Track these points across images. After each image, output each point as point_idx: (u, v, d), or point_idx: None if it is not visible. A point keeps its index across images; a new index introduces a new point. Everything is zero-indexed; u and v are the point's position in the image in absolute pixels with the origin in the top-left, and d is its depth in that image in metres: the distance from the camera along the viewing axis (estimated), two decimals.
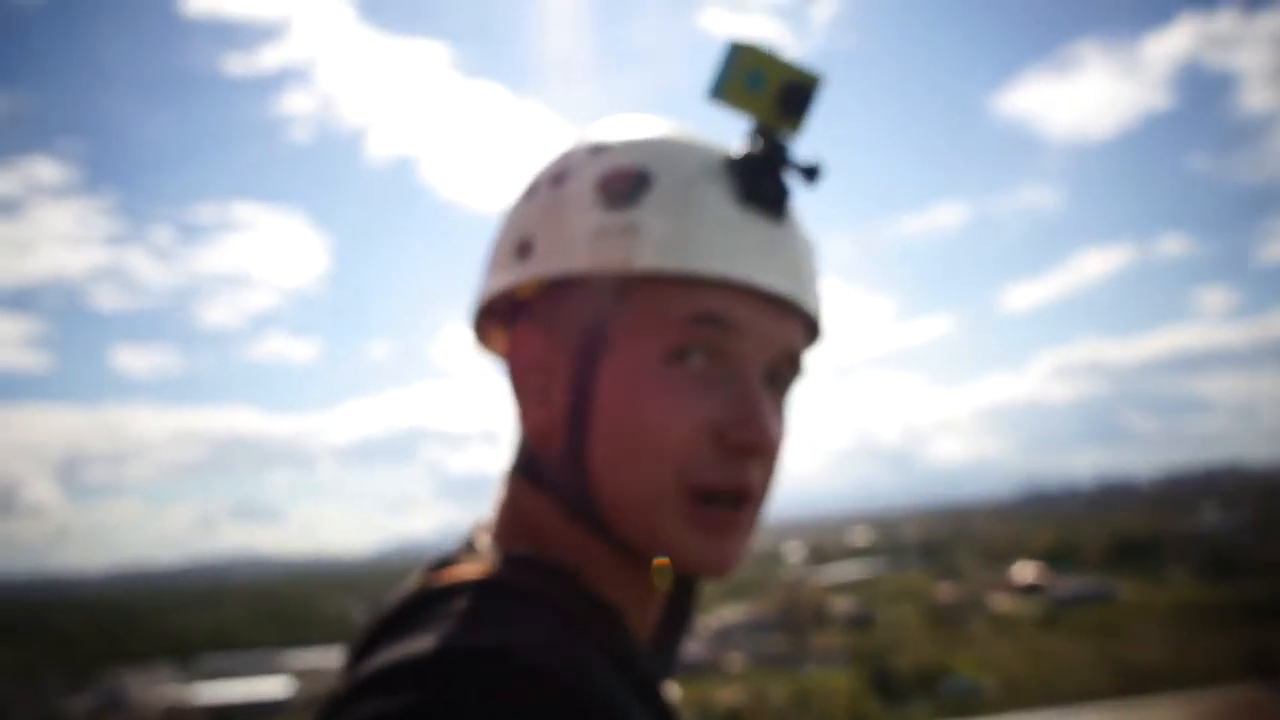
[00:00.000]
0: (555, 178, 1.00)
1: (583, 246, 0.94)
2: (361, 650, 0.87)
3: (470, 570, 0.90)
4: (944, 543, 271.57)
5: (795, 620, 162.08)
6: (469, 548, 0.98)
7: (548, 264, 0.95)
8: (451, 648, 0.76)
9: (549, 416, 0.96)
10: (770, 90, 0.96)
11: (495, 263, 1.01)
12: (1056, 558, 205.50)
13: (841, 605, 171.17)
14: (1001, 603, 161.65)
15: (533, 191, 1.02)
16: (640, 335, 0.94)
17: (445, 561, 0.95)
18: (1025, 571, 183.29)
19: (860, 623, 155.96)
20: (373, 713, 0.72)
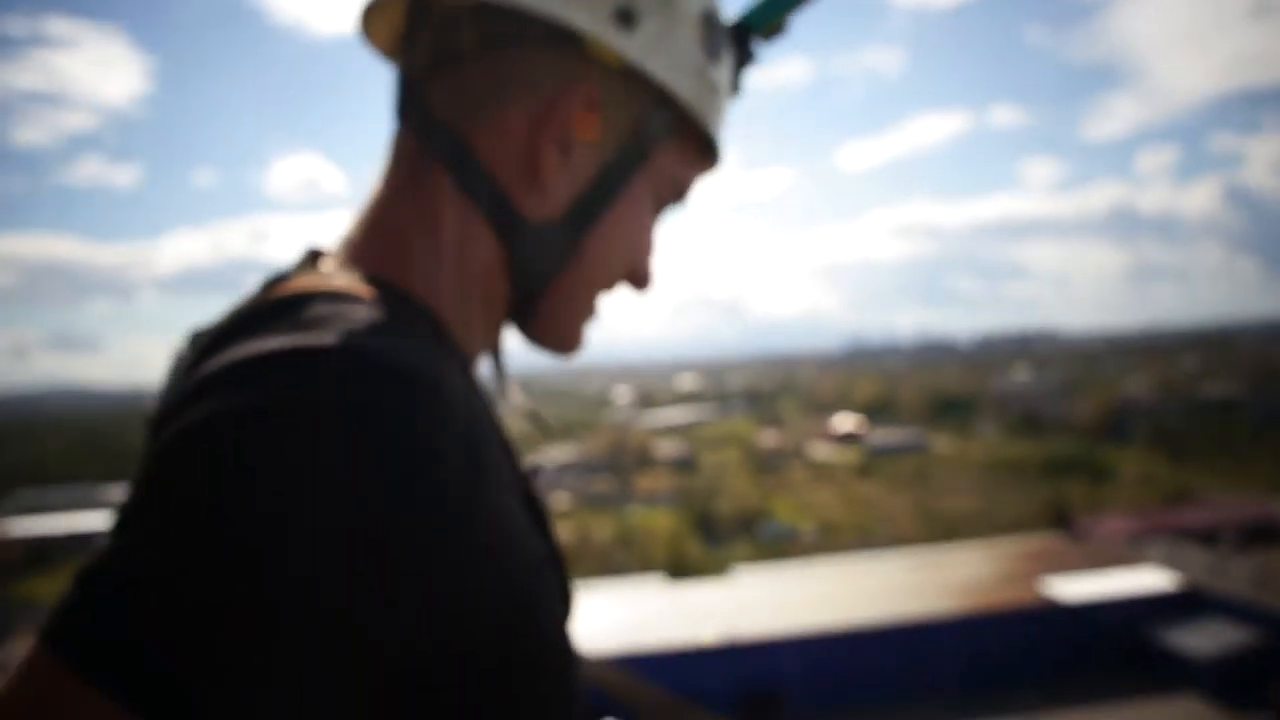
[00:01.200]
0: None
1: (686, 74, 0.96)
2: (201, 356, 0.77)
3: (322, 281, 0.84)
4: (770, 392, 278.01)
5: (621, 462, 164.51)
6: (310, 266, 0.91)
7: (652, 60, 0.93)
8: (299, 345, 0.69)
9: (566, 182, 0.94)
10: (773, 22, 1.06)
11: None
12: (876, 410, 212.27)
13: (667, 449, 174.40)
14: (821, 451, 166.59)
15: None
16: (664, 177, 1.00)
17: (284, 277, 0.89)
18: (845, 422, 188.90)
19: (684, 466, 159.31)
20: (210, 411, 0.65)
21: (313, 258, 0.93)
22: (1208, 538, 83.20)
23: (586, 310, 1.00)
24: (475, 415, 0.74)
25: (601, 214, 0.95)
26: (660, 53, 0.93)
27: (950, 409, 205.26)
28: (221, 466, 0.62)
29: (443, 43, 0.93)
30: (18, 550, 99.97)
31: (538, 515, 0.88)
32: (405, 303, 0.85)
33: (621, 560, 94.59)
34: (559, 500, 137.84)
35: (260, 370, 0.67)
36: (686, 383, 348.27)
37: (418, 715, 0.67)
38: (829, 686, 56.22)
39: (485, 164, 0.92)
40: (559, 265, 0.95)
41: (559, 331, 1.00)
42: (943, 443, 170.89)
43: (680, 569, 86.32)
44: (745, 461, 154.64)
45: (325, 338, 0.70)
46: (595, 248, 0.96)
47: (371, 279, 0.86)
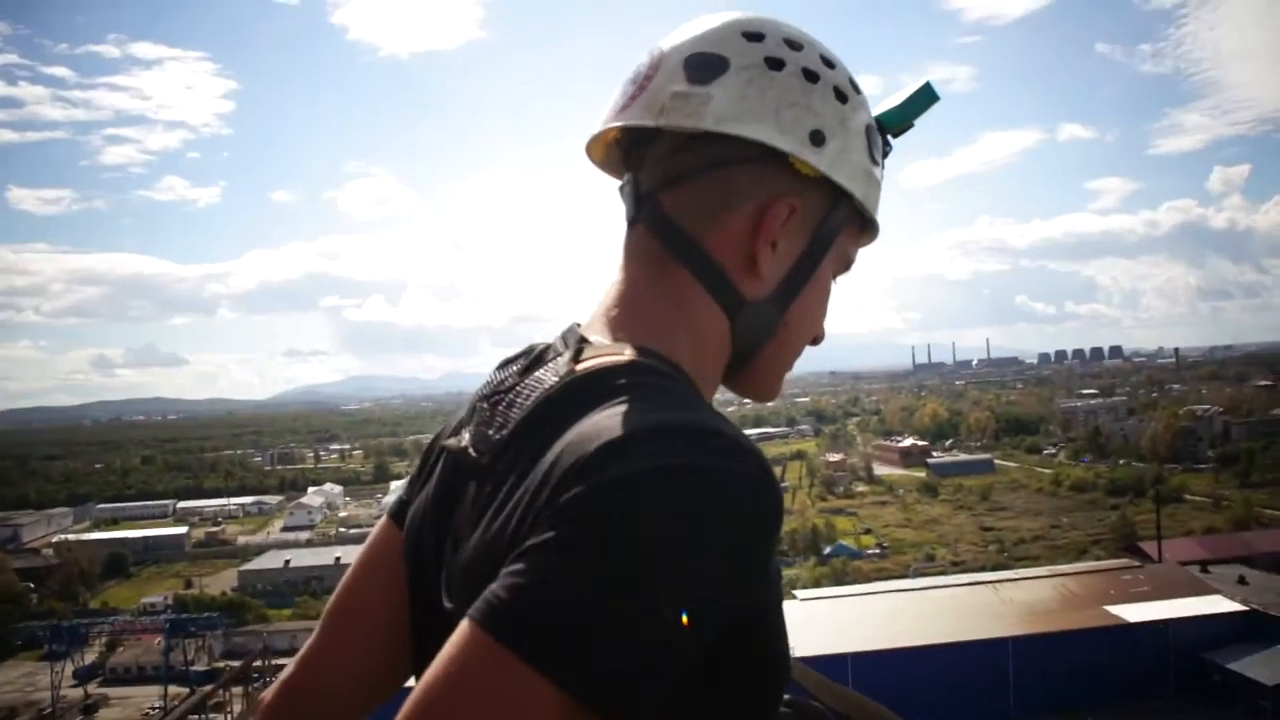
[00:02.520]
0: (840, 90, 1.26)
1: (859, 177, 1.26)
2: (528, 427, 1.08)
3: (623, 356, 1.11)
4: (836, 411, 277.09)
5: None
6: (577, 343, 1.17)
7: (836, 170, 1.23)
8: (670, 421, 0.95)
9: (774, 270, 1.23)
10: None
11: (773, 117, 1.20)
12: (942, 430, 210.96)
13: None
14: (887, 471, 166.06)
15: (819, 81, 1.25)
16: (840, 255, 1.30)
17: (550, 357, 1.20)
18: (911, 441, 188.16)
19: None
20: (619, 474, 0.90)
21: (577, 332, 1.22)
22: (1277, 563, 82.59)
23: (786, 367, 1.34)
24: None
25: (800, 291, 1.26)
26: (841, 164, 1.23)
27: (1017, 429, 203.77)
28: (635, 517, 0.88)
29: (675, 164, 1.22)
30: (98, 558, 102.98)
31: None
32: (678, 370, 1.14)
33: None
34: None
35: (648, 442, 0.92)
36: (752, 403, 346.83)
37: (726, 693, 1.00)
38: (888, 703, 56.66)
39: (715, 258, 1.22)
40: (771, 334, 1.26)
41: (765, 385, 1.32)
42: (1009, 463, 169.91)
43: None
44: (810, 481, 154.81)
45: (671, 415, 0.97)
46: (795, 318, 1.27)
47: (648, 352, 1.13)
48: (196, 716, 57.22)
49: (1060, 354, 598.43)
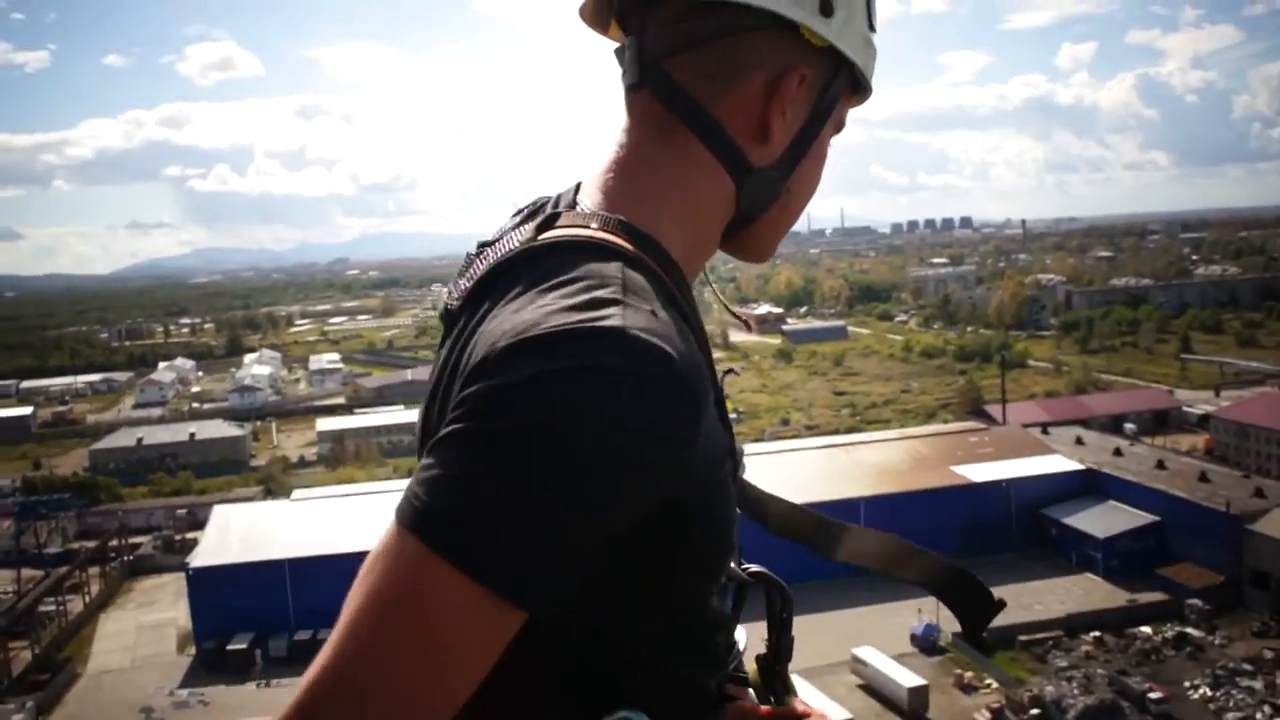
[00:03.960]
0: None
1: (859, 45, 1.32)
2: (483, 286, 1.20)
3: (587, 234, 1.18)
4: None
5: None
6: (552, 207, 1.29)
7: (843, 40, 1.28)
8: (587, 327, 0.99)
9: (781, 134, 1.28)
10: None
11: None
12: (797, 297, 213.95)
13: None
14: (742, 337, 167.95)
15: None
16: (836, 119, 1.36)
17: (543, 214, 1.26)
18: (766, 309, 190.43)
19: None
20: (518, 376, 0.97)
21: (574, 191, 1.31)
22: (1113, 424, 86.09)
23: (786, 230, 1.40)
24: (695, 359, 1.05)
25: (803, 158, 1.32)
26: (847, 33, 1.29)
27: (870, 296, 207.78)
28: (543, 413, 0.94)
29: (683, 30, 1.25)
30: None
31: (722, 410, 1.24)
32: (653, 248, 1.20)
33: None
34: None
35: (564, 341, 0.97)
36: None
37: (653, 552, 1.07)
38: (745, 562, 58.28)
39: (724, 125, 1.26)
40: (776, 198, 1.32)
41: (763, 248, 1.40)
42: (862, 329, 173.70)
43: None
44: None
45: (604, 318, 1.00)
46: (797, 183, 1.33)
47: (625, 226, 1.19)
48: (53, 599, 55.82)
49: (912, 224, 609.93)
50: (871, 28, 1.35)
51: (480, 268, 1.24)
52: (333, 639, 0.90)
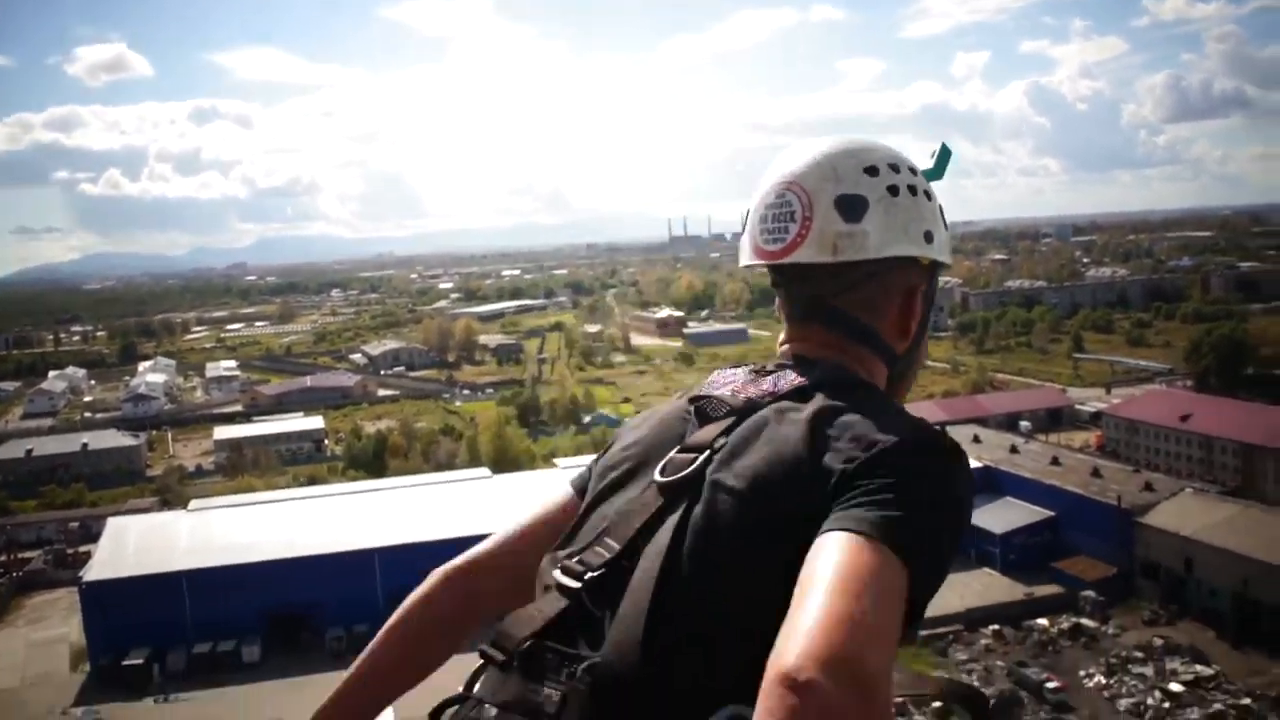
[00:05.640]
0: (926, 192, 1.85)
1: (947, 248, 1.87)
2: (779, 399, 1.66)
3: (856, 371, 1.77)
4: (593, 283, 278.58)
5: (446, 352, 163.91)
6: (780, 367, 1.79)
7: (941, 253, 1.84)
8: (931, 430, 1.55)
9: (909, 334, 1.83)
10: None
11: (905, 234, 1.79)
12: (698, 300, 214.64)
13: (491, 340, 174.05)
14: (644, 341, 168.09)
15: (917, 192, 1.83)
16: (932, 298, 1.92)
17: (808, 363, 1.77)
18: (668, 312, 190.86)
19: (509, 357, 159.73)
20: (941, 461, 1.48)
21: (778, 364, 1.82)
22: (1008, 423, 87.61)
23: (911, 387, 1.95)
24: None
25: (922, 339, 1.88)
26: (942, 248, 1.84)
27: (770, 299, 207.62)
28: (944, 476, 1.45)
29: (843, 278, 1.78)
30: None
31: None
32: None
33: (447, 451, 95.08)
34: (379, 390, 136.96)
35: (930, 443, 1.49)
36: (511, 273, 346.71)
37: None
38: None
39: (883, 337, 1.81)
40: (910, 372, 1.89)
41: (902, 396, 1.90)
42: (763, 332, 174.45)
43: (505, 459, 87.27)
44: (569, 351, 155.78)
45: (925, 427, 1.55)
46: (919, 355, 1.89)
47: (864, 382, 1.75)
48: None
49: None
50: (945, 225, 1.88)
51: (759, 386, 1.72)
52: (837, 607, 1.20)
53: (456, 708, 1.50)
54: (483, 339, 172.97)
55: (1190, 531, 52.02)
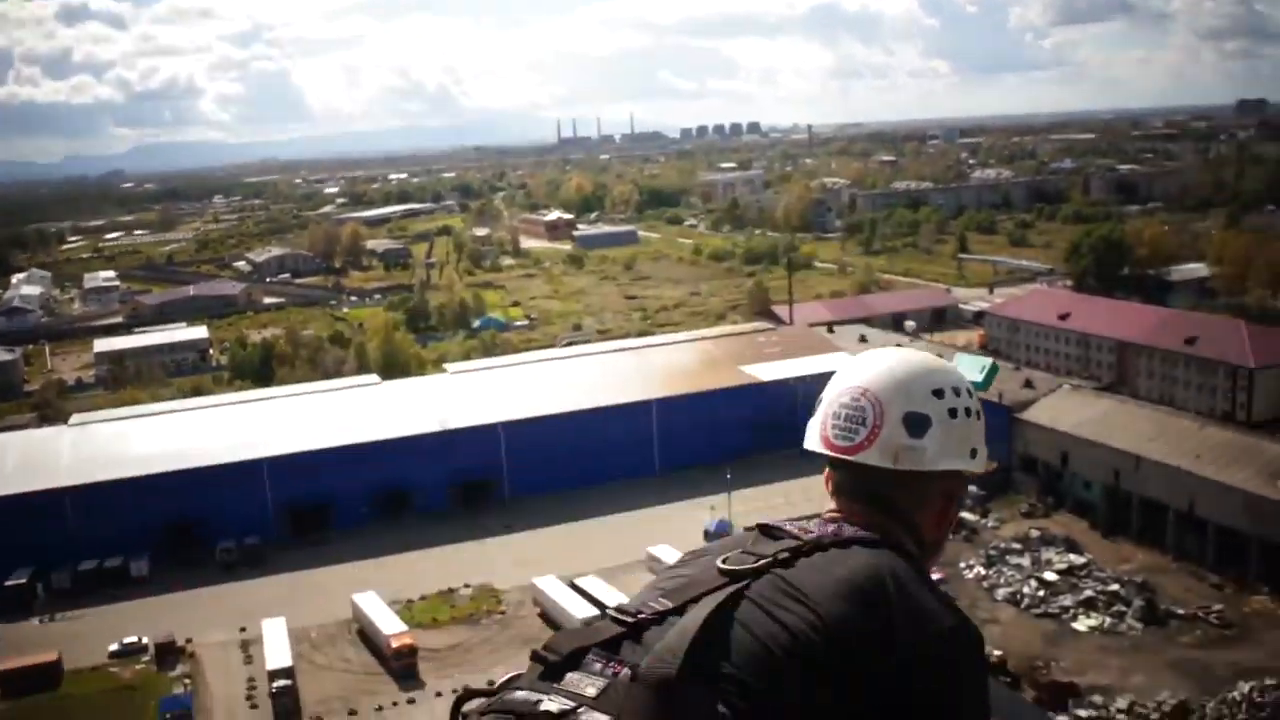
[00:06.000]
0: (977, 412, 2.24)
1: (984, 462, 2.26)
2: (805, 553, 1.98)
3: (898, 538, 2.14)
4: (482, 186, 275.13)
5: (332, 259, 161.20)
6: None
7: (981, 468, 2.26)
8: (961, 617, 1.94)
9: (943, 529, 2.26)
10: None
11: (957, 451, 2.19)
12: (587, 203, 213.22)
13: (378, 244, 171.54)
14: (533, 244, 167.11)
15: (972, 414, 2.21)
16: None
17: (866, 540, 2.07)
18: (557, 215, 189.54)
19: (396, 262, 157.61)
20: (971, 655, 1.91)
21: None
22: (894, 322, 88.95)
23: (940, 557, 2.36)
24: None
25: (951, 527, 2.32)
26: (982, 461, 2.24)
27: (660, 201, 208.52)
28: (968, 662, 1.90)
29: (899, 477, 2.14)
30: None
31: None
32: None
33: (335, 358, 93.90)
34: (266, 297, 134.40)
35: (969, 630, 1.93)
36: (398, 177, 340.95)
37: None
38: (539, 468, 58.48)
39: (921, 529, 2.22)
40: (935, 556, 2.30)
41: (928, 569, 2.15)
42: (652, 234, 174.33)
43: (394, 365, 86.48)
44: (458, 255, 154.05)
45: (963, 615, 1.97)
46: (945, 540, 2.31)
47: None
48: None
49: (701, 129, 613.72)
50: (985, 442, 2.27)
51: (778, 544, 1.99)
52: None
53: (483, 700, 1.78)
54: (370, 244, 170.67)
55: (1067, 426, 53.67)
